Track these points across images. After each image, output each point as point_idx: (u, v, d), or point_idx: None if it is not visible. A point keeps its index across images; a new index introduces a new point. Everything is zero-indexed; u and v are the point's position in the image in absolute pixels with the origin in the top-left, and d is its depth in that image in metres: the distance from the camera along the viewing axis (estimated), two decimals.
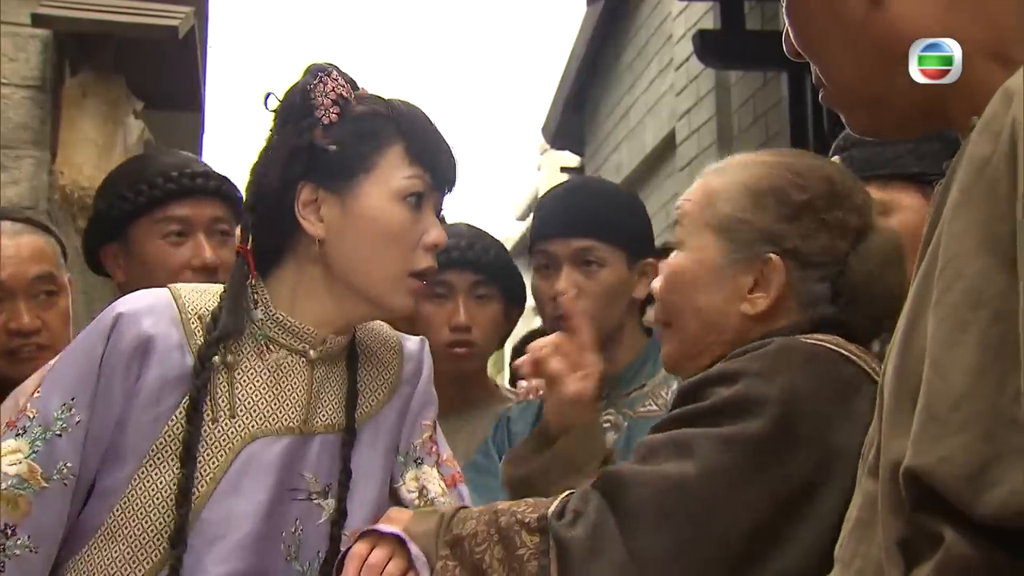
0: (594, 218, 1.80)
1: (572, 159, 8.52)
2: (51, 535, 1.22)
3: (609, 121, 7.13)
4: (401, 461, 1.39)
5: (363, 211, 1.28)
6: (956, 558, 0.66)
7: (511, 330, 2.06)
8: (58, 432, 1.21)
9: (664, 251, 1.84)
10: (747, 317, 1.23)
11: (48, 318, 1.86)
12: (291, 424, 1.29)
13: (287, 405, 1.29)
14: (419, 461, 1.40)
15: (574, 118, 7.82)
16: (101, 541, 1.23)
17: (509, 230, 12.43)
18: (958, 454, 0.66)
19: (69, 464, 1.22)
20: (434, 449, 1.42)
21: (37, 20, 4.14)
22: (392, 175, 1.28)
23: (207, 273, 1.69)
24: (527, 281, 2.08)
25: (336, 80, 1.29)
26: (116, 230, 1.77)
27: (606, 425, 1.76)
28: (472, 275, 1.92)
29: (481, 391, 2.04)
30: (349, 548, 1.26)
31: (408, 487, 1.38)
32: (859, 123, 0.90)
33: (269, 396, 1.29)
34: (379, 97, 1.33)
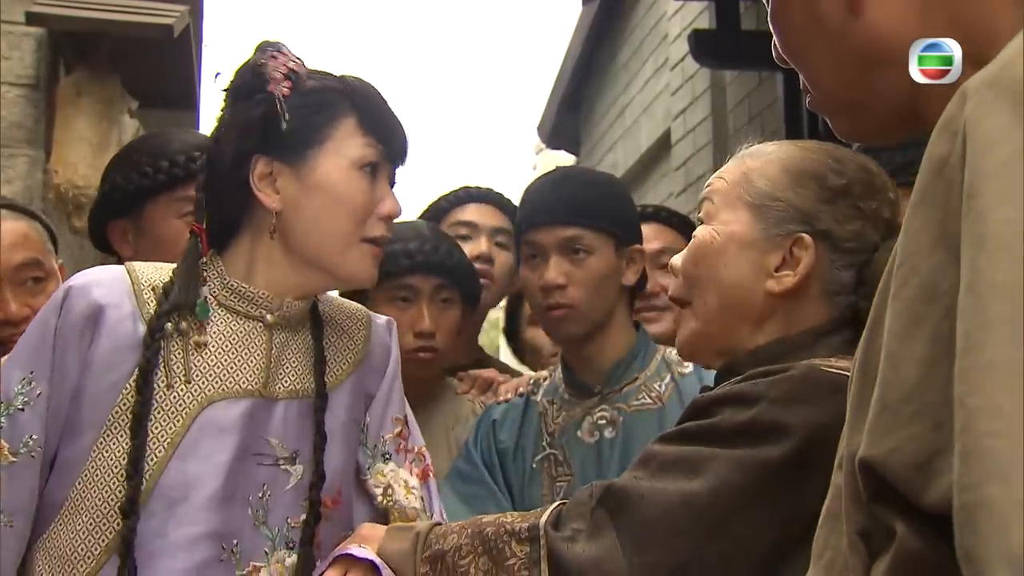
0: (580, 206, 1.80)
1: (568, 158, 8.52)
2: (24, 510, 1.23)
3: (604, 121, 7.13)
4: (368, 454, 1.40)
5: (318, 181, 1.29)
6: (908, 552, 0.67)
7: (463, 329, 2.07)
8: (20, 407, 1.23)
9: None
10: (771, 295, 1.21)
11: (37, 305, 1.79)
12: (249, 387, 1.29)
13: (244, 369, 1.30)
14: (387, 457, 1.41)
15: (569, 118, 7.82)
16: (66, 516, 1.24)
17: None
18: (908, 444, 0.67)
19: (35, 436, 1.23)
20: (403, 445, 1.42)
21: (31, 18, 4.13)
22: (346, 145, 1.31)
23: None
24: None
25: (287, 56, 1.31)
26: (130, 205, 1.72)
27: (602, 423, 1.76)
28: (436, 279, 1.92)
29: (436, 388, 2.04)
30: (322, 573, 1.26)
31: (375, 481, 1.39)
32: (842, 128, 0.91)
33: (225, 360, 1.30)
34: (330, 73, 1.35)
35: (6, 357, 1.30)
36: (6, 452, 1.22)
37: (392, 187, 1.36)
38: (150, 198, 1.70)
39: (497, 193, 2.32)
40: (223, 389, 1.28)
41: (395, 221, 1.37)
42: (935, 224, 0.68)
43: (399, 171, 1.38)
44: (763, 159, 1.26)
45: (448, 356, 2.02)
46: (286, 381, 1.32)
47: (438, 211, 2.27)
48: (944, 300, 0.66)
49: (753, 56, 4.33)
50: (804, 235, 1.20)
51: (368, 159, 1.31)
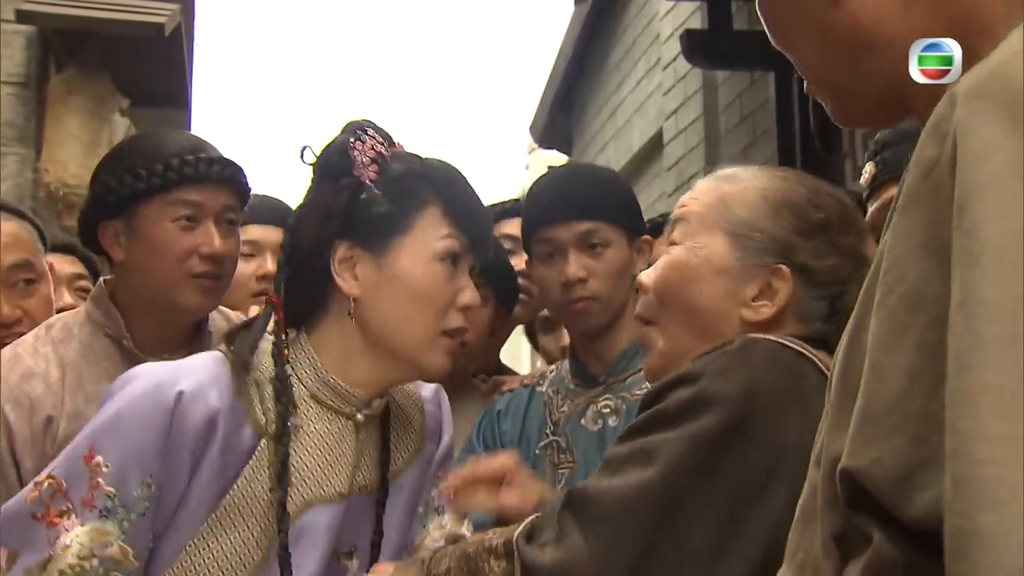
0: (593, 200, 1.82)
1: (560, 158, 8.52)
2: None
3: (597, 120, 7.13)
4: (421, 512, 1.39)
5: (399, 271, 1.27)
6: (883, 559, 0.67)
7: (495, 329, 2.07)
8: (142, 512, 1.21)
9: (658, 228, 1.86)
10: (747, 324, 1.21)
11: (29, 306, 1.81)
12: (342, 490, 1.28)
13: (339, 471, 1.29)
14: (440, 510, 1.41)
15: (562, 117, 7.82)
16: None
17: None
18: (889, 457, 0.66)
19: (151, 540, 1.23)
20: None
21: (21, 16, 4.12)
22: (429, 235, 1.28)
23: (214, 262, 1.63)
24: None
25: (374, 138, 1.29)
26: (122, 207, 1.68)
27: (606, 411, 1.78)
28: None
29: (460, 387, 2.04)
30: None
31: (433, 536, 1.39)
32: (837, 113, 0.92)
33: (322, 462, 1.28)
34: (415, 156, 1.33)
35: (87, 436, 1.24)
36: (131, 558, 1.21)
37: (473, 274, 1.34)
38: (143, 200, 1.65)
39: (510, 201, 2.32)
40: (320, 493, 1.27)
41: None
42: (922, 230, 0.68)
43: None
44: (741, 185, 1.26)
45: (477, 354, 2.02)
46: (360, 477, 1.32)
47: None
48: (930, 309, 0.66)
49: (745, 56, 4.33)
50: (783, 267, 1.20)
51: (450, 250, 1.28)
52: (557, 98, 7.71)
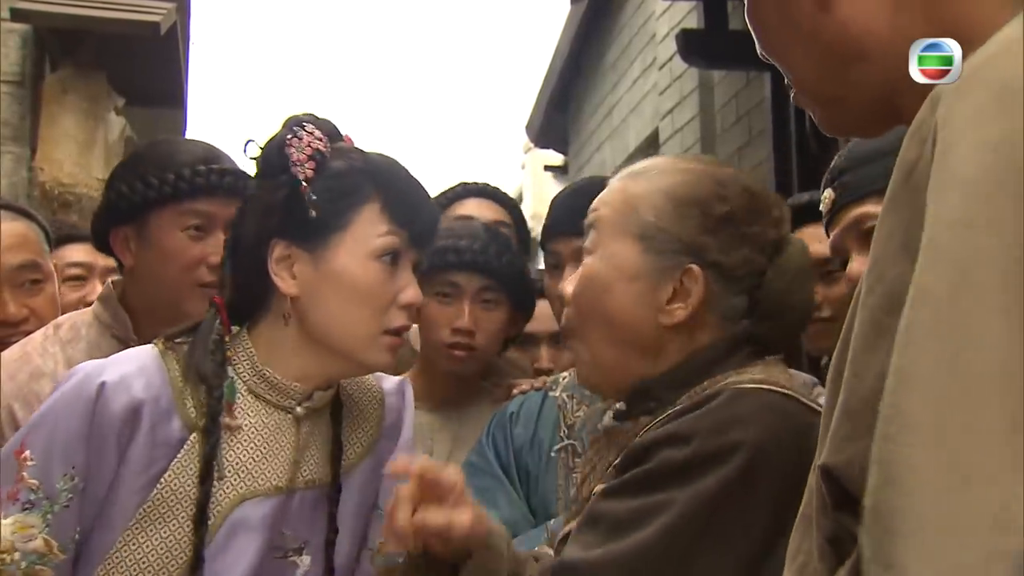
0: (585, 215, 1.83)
1: (556, 158, 8.53)
2: None
3: (593, 120, 7.14)
4: (380, 513, 1.35)
5: (336, 270, 1.25)
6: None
7: (517, 335, 2.06)
8: (65, 504, 1.20)
9: None
10: (664, 328, 1.19)
11: (35, 305, 1.82)
12: (279, 484, 1.27)
13: (275, 464, 1.27)
14: None
15: (558, 117, 7.83)
16: None
17: None
18: (863, 455, 0.66)
19: (78, 531, 1.22)
20: None
21: (16, 15, 4.11)
22: (367, 233, 1.26)
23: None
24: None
25: (312, 134, 1.27)
26: (133, 214, 1.69)
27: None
28: (481, 279, 1.92)
29: (471, 391, 2.04)
30: None
31: None
32: (825, 122, 0.91)
33: (257, 455, 1.27)
34: (357, 151, 1.31)
35: (22, 432, 1.25)
36: (56, 550, 1.20)
37: (417, 269, 1.32)
38: (154, 209, 1.66)
39: (494, 187, 2.33)
40: (255, 487, 1.25)
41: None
42: (901, 231, 0.68)
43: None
44: (647, 185, 1.23)
45: (487, 357, 2.01)
46: (306, 471, 1.30)
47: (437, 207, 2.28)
48: None
49: (741, 56, 4.34)
50: (693, 266, 1.18)
51: (389, 248, 1.26)
52: (553, 97, 7.72)
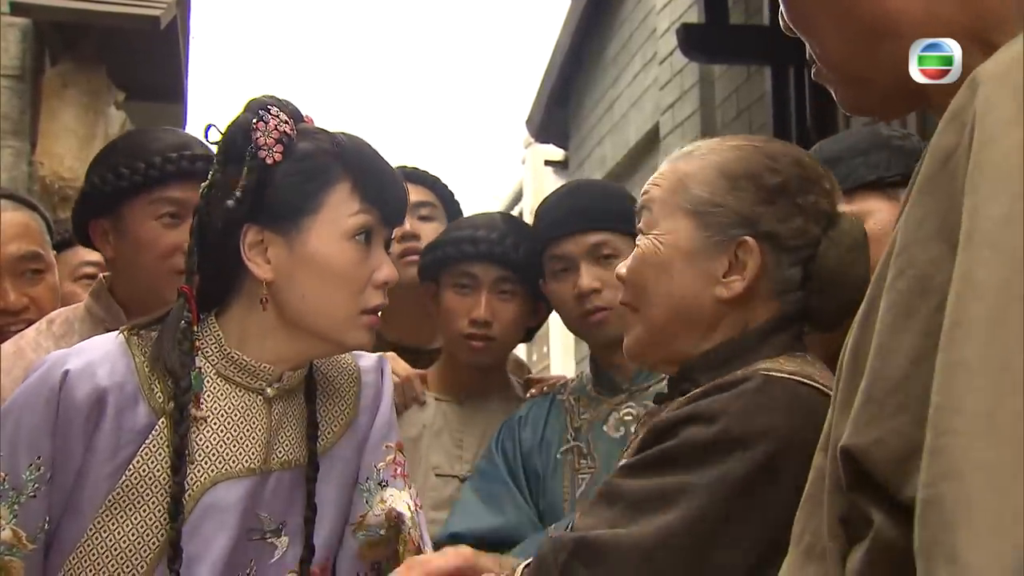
0: (600, 212, 1.84)
1: (556, 153, 8.52)
2: None
3: (593, 115, 7.13)
4: (365, 489, 1.36)
5: (310, 253, 1.25)
6: (884, 542, 0.68)
7: (539, 325, 2.06)
8: (32, 494, 1.20)
9: None
10: (721, 302, 1.20)
11: (35, 295, 1.83)
12: (252, 465, 1.27)
13: (247, 446, 1.27)
14: (384, 484, 1.37)
15: (558, 112, 7.81)
16: None
17: None
18: (891, 437, 0.67)
19: (47, 521, 1.21)
20: (399, 471, 1.39)
21: (16, 8, 4.11)
22: (339, 214, 1.26)
23: None
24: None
25: (278, 117, 1.26)
26: (108, 206, 1.70)
27: (628, 419, 1.79)
28: (498, 270, 1.92)
29: (495, 383, 2.04)
30: None
31: (375, 511, 1.35)
32: (847, 100, 0.91)
33: (228, 438, 1.26)
34: (323, 131, 1.30)
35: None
36: (24, 541, 1.20)
37: (388, 248, 1.32)
38: (127, 199, 1.67)
39: (412, 167, 2.26)
40: (226, 469, 1.25)
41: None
42: (936, 215, 0.68)
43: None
44: (698, 163, 1.25)
45: (506, 348, 2.02)
46: (280, 452, 1.30)
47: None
48: (938, 294, 0.66)
49: (742, 50, 4.33)
50: (748, 239, 1.19)
51: (361, 227, 1.26)
52: (553, 92, 7.71)
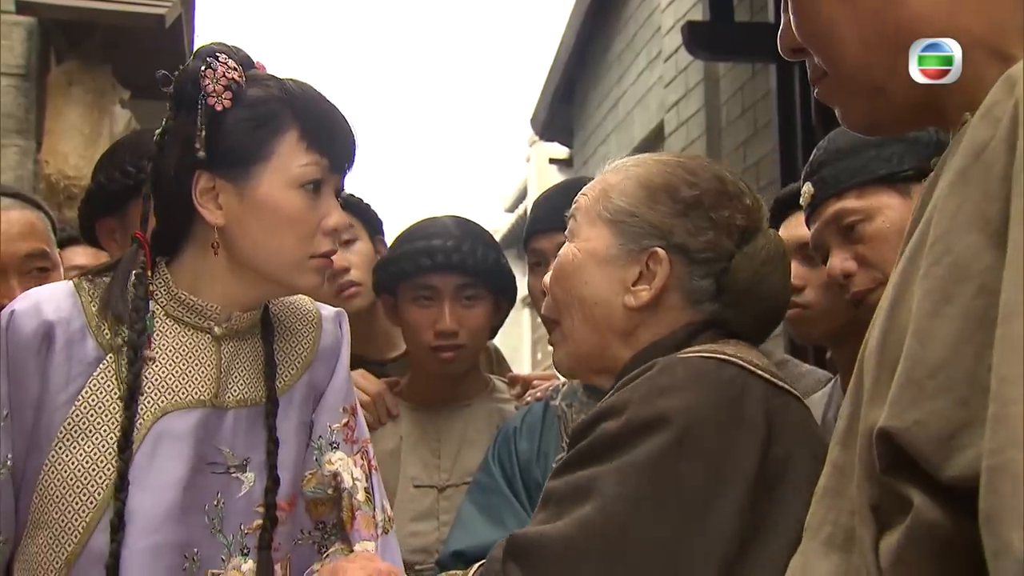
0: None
1: (561, 151, 8.52)
2: (8, 523, 1.24)
3: (598, 113, 7.12)
4: (317, 446, 1.39)
5: (260, 199, 1.27)
6: (924, 522, 0.69)
7: (502, 321, 2.04)
8: None
9: None
10: (631, 310, 1.24)
11: None
12: (201, 397, 1.30)
13: (196, 380, 1.30)
14: (335, 446, 1.40)
15: (563, 109, 7.81)
16: (31, 530, 1.25)
17: (497, 221, 12.42)
18: (932, 418, 0.69)
19: (9, 459, 1.24)
20: (350, 435, 1.42)
21: (21, 7, 4.11)
22: (288, 163, 1.28)
23: None
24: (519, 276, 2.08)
25: (226, 64, 1.28)
26: (115, 205, 1.71)
27: None
28: (458, 278, 1.90)
29: (473, 386, 2.03)
30: None
31: (324, 471, 1.39)
32: (855, 115, 0.91)
33: (176, 372, 1.29)
34: (272, 78, 1.32)
35: None
36: None
37: (339, 194, 1.34)
38: (133, 198, 1.67)
39: None
40: (176, 400, 1.28)
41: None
42: (971, 206, 0.70)
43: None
44: (623, 175, 1.28)
45: (476, 351, 2.00)
46: (235, 391, 1.32)
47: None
48: (976, 280, 0.68)
49: (747, 48, 4.32)
50: (658, 249, 1.23)
51: (310, 177, 1.28)
52: (558, 90, 7.70)
